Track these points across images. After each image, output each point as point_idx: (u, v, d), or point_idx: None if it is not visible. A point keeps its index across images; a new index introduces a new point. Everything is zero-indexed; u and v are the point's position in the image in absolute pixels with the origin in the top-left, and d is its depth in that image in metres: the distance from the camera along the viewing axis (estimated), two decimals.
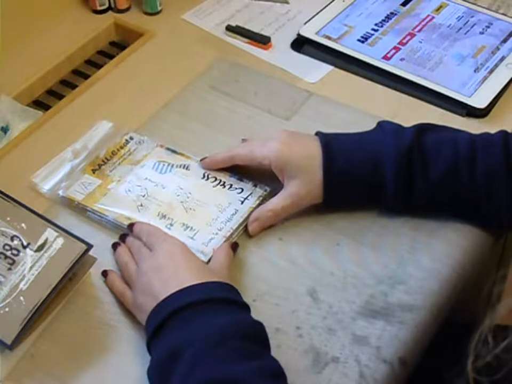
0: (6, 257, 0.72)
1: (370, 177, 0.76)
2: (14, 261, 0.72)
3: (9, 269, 0.71)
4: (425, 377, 0.79)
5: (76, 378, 0.68)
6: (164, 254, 0.71)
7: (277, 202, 0.78)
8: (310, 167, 0.77)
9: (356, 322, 0.71)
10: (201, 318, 0.63)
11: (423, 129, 0.78)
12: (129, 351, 0.70)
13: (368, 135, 0.79)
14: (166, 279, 0.68)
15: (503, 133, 0.78)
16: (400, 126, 0.79)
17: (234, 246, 0.76)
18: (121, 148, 0.86)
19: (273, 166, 0.78)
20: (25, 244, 0.73)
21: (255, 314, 0.66)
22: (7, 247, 0.72)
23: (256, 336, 0.64)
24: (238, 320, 0.64)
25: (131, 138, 0.87)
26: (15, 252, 0.72)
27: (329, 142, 0.77)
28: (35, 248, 0.73)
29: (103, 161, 0.85)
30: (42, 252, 0.72)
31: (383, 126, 0.80)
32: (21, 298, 0.70)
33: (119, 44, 1.08)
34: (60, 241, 0.73)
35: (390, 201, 0.77)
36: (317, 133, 0.79)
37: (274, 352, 0.64)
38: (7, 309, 0.70)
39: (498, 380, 0.55)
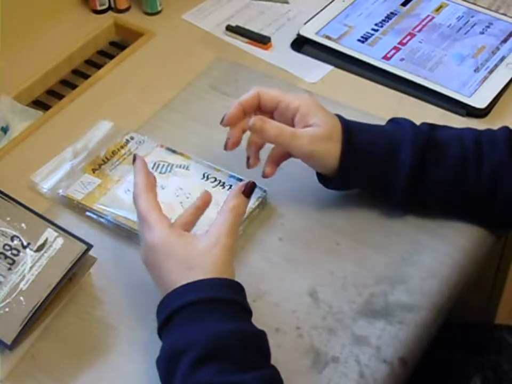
0: (6, 257, 0.72)
1: (386, 158, 0.76)
2: (14, 261, 0.72)
3: (9, 269, 0.71)
4: (426, 377, 0.79)
5: (76, 378, 0.68)
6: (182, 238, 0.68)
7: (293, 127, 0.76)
8: (334, 128, 0.76)
9: (356, 322, 0.71)
10: (209, 319, 0.63)
11: (433, 126, 0.79)
12: (129, 351, 0.70)
13: (383, 125, 0.79)
14: (179, 266, 0.66)
15: (506, 129, 0.79)
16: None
17: (248, 192, 0.70)
18: (122, 147, 0.86)
19: (301, 109, 0.76)
20: (25, 244, 0.73)
21: (255, 314, 0.66)
22: (7, 247, 0.72)
23: (260, 346, 0.63)
24: (244, 330, 0.63)
25: (131, 138, 0.87)
26: (15, 251, 0.72)
27: (348, 121, 0.77)
28: (35, 248, 0.73)
29: (103, 160, 0.85)
30: (42, 251, 0.72)
31: (396, 120, 0.80)
32: (21, 298, 0.70)
33: (119, 43, 1.08)
34: (60, 241, 0.73)
35: (400, 192, 0.76)
36: (337, 116, 0.79)
37: (274, 352, 0.64)
38: (7, 309, 0.70)
39: None
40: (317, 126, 0.75)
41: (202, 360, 0.60)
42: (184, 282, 0.64)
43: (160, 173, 0.83)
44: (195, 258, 0.66)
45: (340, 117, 0.78)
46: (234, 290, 0.65)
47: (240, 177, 0.82)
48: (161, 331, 0.65)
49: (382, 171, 0.76)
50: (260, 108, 0.78)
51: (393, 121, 0.80)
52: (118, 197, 0.81)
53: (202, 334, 0.61)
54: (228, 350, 0.60)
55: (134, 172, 0.72)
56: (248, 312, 0.66)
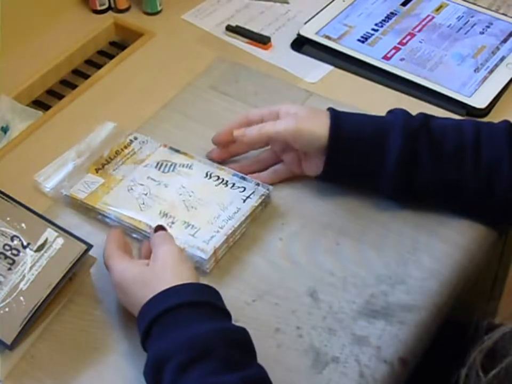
0: (6, 257, 0.72)
1: (374, 142, 0.76)
2: (14, 261, 0.72)
3: (9, 269, 0.71)
4: (425, 377, 0.79)
5: (76, 378, 0.68)
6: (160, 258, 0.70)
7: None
8: (316, 110, 0.79)
9: (356, 322, 0.71)
10: (186, 324, 0.63)
11: (430, 116, 0.79)
12: (129, 351, 0.70)
13: (378, 115, 0.80)
14: (148, 281, 0.67)
15: (507, 123, 0.79)
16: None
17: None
18: (125, 147, 0.86)
19: (282, 109, 0.81)
20: (25, 244, 0.73)
21: (255, 314, 0.67)
22: (7, 247, 0.72)
23: (240, 343, 0.63)
24: (222, 328, 0.63)
25: (135, 138, 0.87)
26: (15, 251, 0.72)
27: (336, 110, 0.79)
28: (35, 248, 0.73)
29: (106, 160, 0.85)
30: (42, 251, 0.73)
31: (392, 110, 0.81)
32: (21, 298, 0.70)
33: (119, 44, 1.08)
34: (60, 241, 0.73)
35: (390, 177, 0.76)
36: (328, 108, 0.80)
37: (274, 352, 0.64)
38: (7, 309, 0.70)
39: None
40: (298, 111, 0.79)
41: (185, 365, 0.60)
42: (149, 298, 0.65)
43: (163, 172, 0.83)
44: (153, 274, 0.68)
45: (328, 109, 0.80)
46: (205, 293, 0.66)
47: (243, 175, 0.82)
48: (144, 340, 0.66)
49: (371, 157, 0.77)
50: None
51: (390, 111, 0.81)
52: (121, 196, 0.81)
53: (182, 340, 0.61)
54: (209, 350, 0.60)
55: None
56: (222, 311, 0.66)
